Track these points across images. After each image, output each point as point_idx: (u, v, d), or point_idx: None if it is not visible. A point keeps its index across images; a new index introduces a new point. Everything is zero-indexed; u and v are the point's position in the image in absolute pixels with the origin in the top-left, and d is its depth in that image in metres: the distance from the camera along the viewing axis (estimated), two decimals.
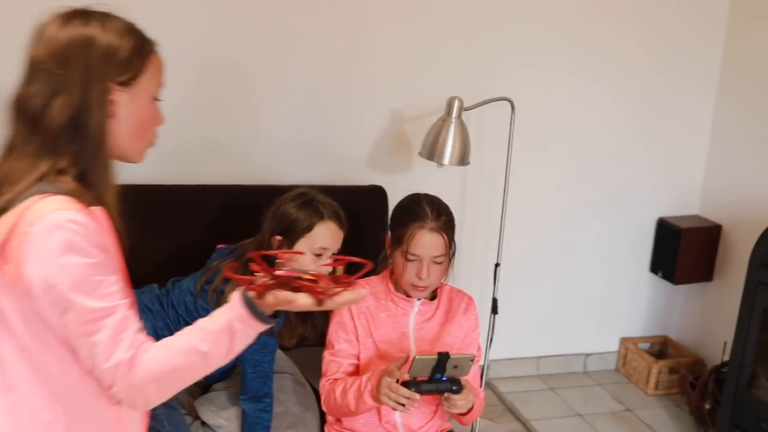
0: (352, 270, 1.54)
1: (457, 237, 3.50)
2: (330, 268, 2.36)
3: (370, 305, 2.36)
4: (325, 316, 2.48)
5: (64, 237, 1.31)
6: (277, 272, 1.34)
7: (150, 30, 1.52)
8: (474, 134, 3.29)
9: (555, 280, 3.82)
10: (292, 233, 2.32)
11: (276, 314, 1.39)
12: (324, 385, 2.33)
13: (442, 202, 2.34)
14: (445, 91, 3.05)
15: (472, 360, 2.08)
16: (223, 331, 1.35)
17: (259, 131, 3.15)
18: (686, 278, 3.84)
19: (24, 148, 1.41)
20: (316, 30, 3.11)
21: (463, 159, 2.98)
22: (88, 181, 1.42)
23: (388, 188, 3.18)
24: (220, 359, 1.38)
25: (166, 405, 2.30)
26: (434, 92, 3.21)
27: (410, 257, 2.25)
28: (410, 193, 2.45)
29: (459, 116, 2.94)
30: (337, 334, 2.37)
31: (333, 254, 1.35)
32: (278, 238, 2.33)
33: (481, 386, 2.35)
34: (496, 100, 3.05)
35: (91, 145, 1.42)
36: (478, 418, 3.18)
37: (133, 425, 1.54)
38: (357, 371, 2.33)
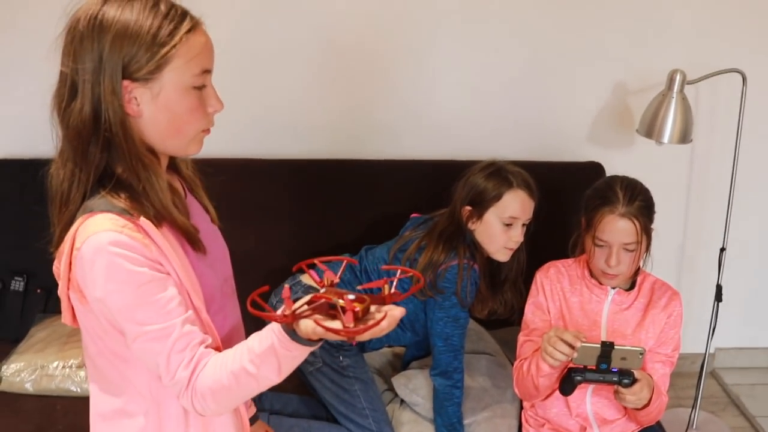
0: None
1: (681, 220, 3.35)
2: (520, 238, 2.36)
3: (565, 287, 2.31)
4: (516, 292, 2.49)
5: (106, 262, 1.25)
6: (292, 309, 1.21)
7: None
8: (704, 108, 3.09)
9: None
10: (481, 203, 2.34)
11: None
12: (516, 366, 2.31)
13: (640, 185, 2.21)
14: (673, 61, 2.88)
15: (642, 354, 1.98)
16: (268, 354, 1.27)
17: (470, 104, 3.12)
18: None
19: (63, 154, 1.34)
20: None
21: (684, 137, 2.80)
22: (134, 189, 1.33)
23: (606, 165, 3.07)
24: (272, 379, 1.30)
25: (363, 381, 2.41)
26: (660, 63, 3.02)
27: (599, 243, 2.16)
28: (630, 170, 2.34)
29: (681, 90, 2.77)
30: (533, 315, 2.34)
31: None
32: (468, 208, 2.36)
33: (665, 392, 2.21)
34: (725, 72, 2.82)
35: (119, 150, 1.31)
36: (695, 413, 3.03)
37: (222, 427, 1.52)
38: None
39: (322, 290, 1.23)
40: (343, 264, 1.36)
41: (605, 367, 2.01)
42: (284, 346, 1.25)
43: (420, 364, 2.61)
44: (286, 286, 1.22)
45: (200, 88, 1.35)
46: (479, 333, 2.74)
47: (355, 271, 2.48)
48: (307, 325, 1.20)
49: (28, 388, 2.52)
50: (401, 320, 2.41)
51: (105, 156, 1.33)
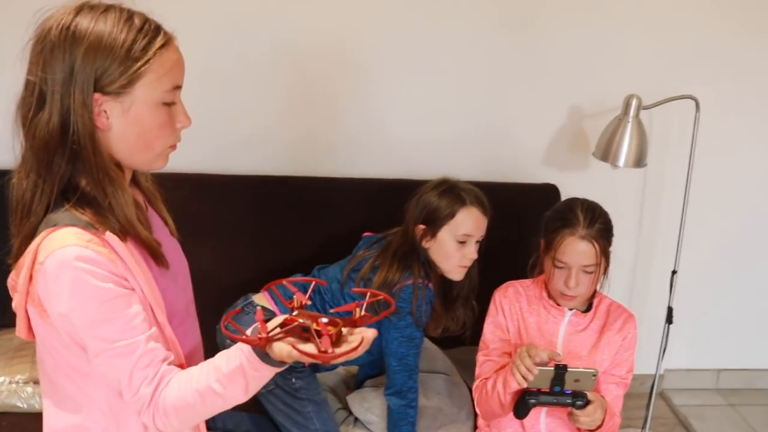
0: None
1: (634, 242, 3.40)
2: (474, 256, 2.36)
3: (523, 307, 2.32)
4: (467, 309, 2.49)
5: (71, 277, 1.23)
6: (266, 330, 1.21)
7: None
8: (658, 132, 3.14)
9: (741, 289, 3.56)
10: (434, 221, 2.34)
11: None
12: (477, 386, 2.31)
13: (599, 208, 2.23)
14: (628, 87, 2.92)
15: (595, 375, 2.01)
16: (236, 374, 1.26)
17: (426, 124, 3.13)
18: None
19: (26, 164, 1.32)
20: (496, 21, 3.04)
21: (639, 161, 2.84)
22: (100, 202, 1.32)
23: (562, 187, 3.11)
24: (238, 398, 1.30)
25: (315, 402, 2.37)
26: (615, 88, 3.06)
27: (558, 264, 2.18)
28: (584, 193, 2.37)
29: (636, 115, 2.81)
30: (493, 334, 2.34)
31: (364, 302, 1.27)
32: (422, 226, 2.35)
33: (618, 413, 2.25)
34: (679, 98, 2.87)
35: (87, 164, 1.30)
36: None
37: None
38: None
39: (294, 313, 1.22)
40: (312, 285, 1.35)
41: (559, 390, 2.03)
42: (253, 367, 1.24)
43: (374, 382, 2.59)
44: (259, 308, 1.21)
45: (170, 104, 1.35)
46: (433, 352, 2.73)
47: (308, 290, 2.47)
48: (281, 349, 1.19)
49: None
50: None
51: (70, 168, 1.31)
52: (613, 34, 3.12)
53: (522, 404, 2.10)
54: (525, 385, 2.06)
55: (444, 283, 2.43)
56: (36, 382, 2.47)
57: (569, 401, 2.05)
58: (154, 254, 1.40)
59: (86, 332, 1.27)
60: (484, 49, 3.07)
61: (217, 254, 2.85)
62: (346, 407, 2.58)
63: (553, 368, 2.00)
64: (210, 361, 1.31)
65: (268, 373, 1.26)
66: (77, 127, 1.28)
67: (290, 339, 1.20)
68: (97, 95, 1.28)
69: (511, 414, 2.22)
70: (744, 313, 3.60)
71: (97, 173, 1.31)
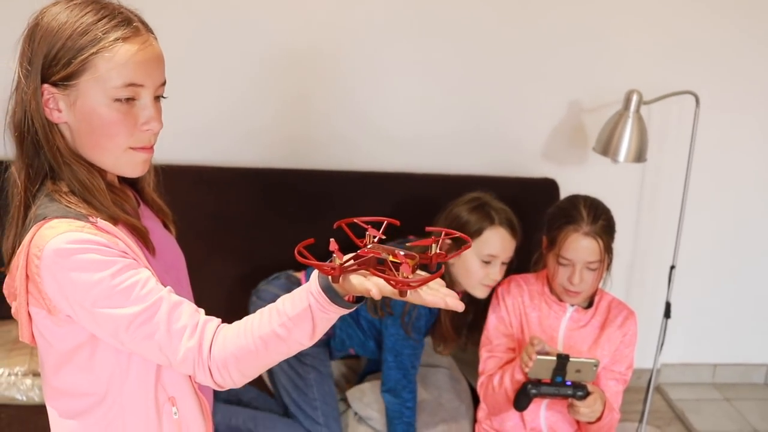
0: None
1: (632, 237, 3.41)
2: (498, 276, 2.32)
3: (525, 302, 2.33)
4: (474, 332, 2.47)
5: (74, 261, 1.19)
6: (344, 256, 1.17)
7: None
8: (656, 127, 3.15)
9: (738, 284, 3.57)
10: None
11: (360, 297, 1.21)
12: (483, 382, 2.31)
13: (602, 205, 2.24)
14: (627, 82, 2.93)
15: (597, 365, 2.02)
16: (303, 317, 1.20)
17: (426, 117, 3.12)
18: None
19: (17, 159, 1.32)
20: (494, 14, 3.03)
21: (639, 156, 2.84)
22: (82, 194, 1.28)
23: (561, 182, 3.10)
24: (303, 343, 1.24)
25: (319, 371, 2.38)
26: (615, 83, 3.08)
27: (563, 261, 2.18)
28: (583, 187, 2.37)
29: (637, 110, 2.81)
30: (496, 330, 2.34)
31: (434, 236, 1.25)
32: (448, 240, 2.31)
33: (618, 408, 2.27)
34: (679, 94, 2.87)
35: (49, 157, 1.28)
36: (642, 428, 3.08)
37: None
38: None
39: (368, 246, 1.18)
40: (384, 223, 1.30)
41: (560, 380, 2.04)
42: (322, 308, 1.19)
43: (373, 377, 2.60)
44: (332, 239, 1.17)
45: (128, 100, 1.27)
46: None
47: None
48: (358, 279, 1.15)
49: None
50: (363, 326, 2.41)
51: (44, 161, 1.29)
52: (613, 27, 3.11)
53: (523, 395, 2.11)
54: (527, 371, 2.07)
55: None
56: (35, 374, 2.47)
57: (570, 392, 2.06)
58: (143, 239, 1.35)
59: (107, 310, 1.22)
60: (484, 42, 3.06)
61: (213, 247, 2.83)
62: (345, 399, 2.58)
63: (555, 358, 2.01)
64: (271, 306, 1.26)
65: (335, 315, 1.21)
66: (32, 120, 1.26)
67: (363, 272, 1.16)
68: (45, 86, 1.25)
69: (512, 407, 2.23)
70: (740, 309, 3.60)
71: (61, 165, 1.28)
